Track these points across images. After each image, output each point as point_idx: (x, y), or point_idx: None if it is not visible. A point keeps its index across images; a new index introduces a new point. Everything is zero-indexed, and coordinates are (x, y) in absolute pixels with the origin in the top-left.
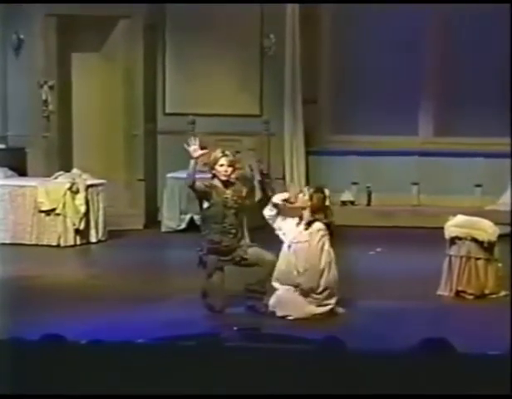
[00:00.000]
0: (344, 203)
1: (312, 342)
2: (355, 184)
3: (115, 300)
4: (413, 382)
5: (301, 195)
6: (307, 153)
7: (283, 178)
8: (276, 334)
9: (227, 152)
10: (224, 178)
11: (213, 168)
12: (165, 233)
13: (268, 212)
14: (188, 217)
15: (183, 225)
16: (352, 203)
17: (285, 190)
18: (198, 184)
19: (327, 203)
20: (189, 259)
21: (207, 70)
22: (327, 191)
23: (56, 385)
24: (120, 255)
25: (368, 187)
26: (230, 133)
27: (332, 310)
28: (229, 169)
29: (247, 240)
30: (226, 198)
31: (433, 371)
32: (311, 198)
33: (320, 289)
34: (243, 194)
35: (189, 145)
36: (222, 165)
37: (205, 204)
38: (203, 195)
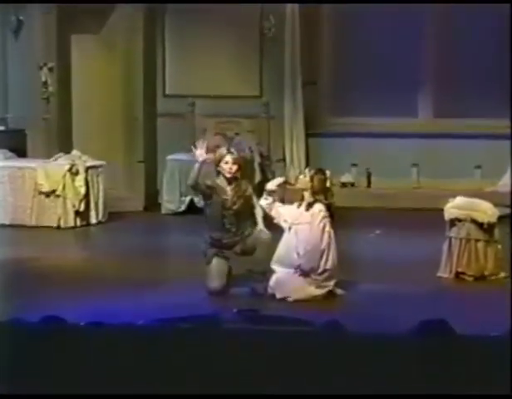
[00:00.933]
0: (344, 185)
1: (311, 323)
2: (355, 166)
3: (114, 282)
4: (412, 364)
5: (301, 177)
6: (307, 135)
7: (283, 160)
8: (275, 316)
9: (232, 150)
10: (228, 175)
11: (218, 165)
12: (165, 215)
13: (265, 201)
14: (188, 199)
15: (183, 207)
16: (352, 185)
17: (285, 173)
18: (199, 184)
19: (328, 184)
20: (190, 242)
21: (207, 52)
22: (327, 173)
23: (55, 366)
24: (121, 237)
25: (368, 169)
26: (230, 115)
27: (331, 292)
28: (234, 167)
29: (261, 226)
30: (225, 199)
31: (433, 352)
32: (311, 179)
33: (320, 270)
34: (248, 193)
35: (196, 147)
36: (227, 163)
37: (207, 201)
38: (203, 194)
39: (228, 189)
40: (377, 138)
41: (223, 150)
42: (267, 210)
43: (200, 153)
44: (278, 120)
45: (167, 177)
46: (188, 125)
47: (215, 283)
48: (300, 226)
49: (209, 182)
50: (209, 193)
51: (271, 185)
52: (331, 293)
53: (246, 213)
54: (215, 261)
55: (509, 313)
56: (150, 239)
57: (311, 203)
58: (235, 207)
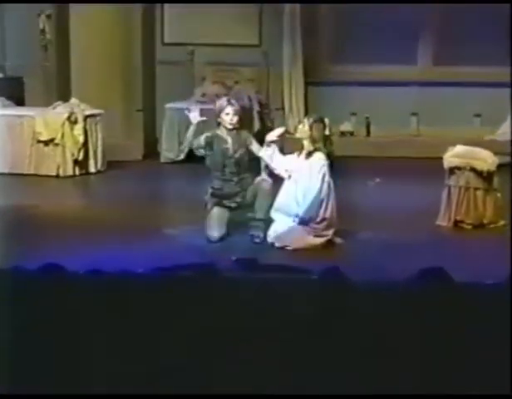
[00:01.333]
0: (343, 133)
1: (310, 271)
2: (354, 114)
3: (113, 231)
4: (411, 312)
5: (300, 126)
6: (307, 83)
7: (282, 109)
8: (274, 264)
9: (232, 101)
10: (229, 126)
11: (218, 116)
12: (164, 164)
13: (265, 152)
14: (187, 148)
15: (182, 156)
16: (351, 133)
17: (284, 122)
18: (196, 143)
19: (327, 132)
20: (189, 190)
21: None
22: (326, 121)
23: (55, 315)
24: (119, 186)
25: (367, 118)
26: (229, 63)
27: (330, 241)
28: (235, 118)
29: (263, 175)
30: (226, 148)
31: (431, 300)
32: (311, 128)
33: (319, 219)
34: (248, 142)
35: (189, 110)
36: (227, 114)
37: (208, 153)
38: (204, 148)
39: (229, 138)
40: (377, 86)
41: (223, 102)
42: (268, 161)
43: (194, 116)
44: (277, 68)
45: (166, 126)
46: (187, 74)
47: (215, 231)
48: (299, 175)
49: (209, 134)
50: (209, 142)
51: (271, 136)
52: (330, 242)
53: (246, 162)
54: (216, 210)
55: (508, 261)
56: (148, 188)
57: (310, 152)
58: (236, 155)
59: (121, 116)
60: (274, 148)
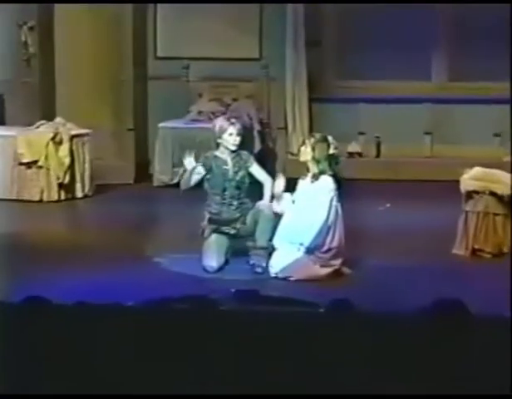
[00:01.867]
0: (351, 154)
1: (316, 304)
2: (362, 134)
3: (101, 259)
4: (425, 345)
5: (303, 148)
6: (311, 100)
7: (285, 128)
8: (277, 297)
9: (233, 120)
10: (233, 147)
11: (219, 137)
12: (157, 187)
13: (277, 207)
14: (182, 170)
15: (176, 179)
16: (360, 154)
17: (286, 141)
18: (194, 179)
19: (332, 151)
20: (183, 216)
21: (202, 9)
22: (330, 139)
23: (38, 351)
24: (108, 211)
25: (377, 137)
26: (227, 78)
27: (337, 271)
28: (238, 139)
29: (266, 198)
30: (226, 170)
31: (446, 333)
32: (313, 149)
33: (325, 248)
34: (248, 164)
35: (184, 157)
36: (231, 135)
37: (207, 175)
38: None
39: (229, 159)
40: (387, 103)
41: (224, 122)
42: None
43: (189, 161)
44: (278, 83)
45: (159, 146)
46: (181, 90)
47: (213, 261)
48: (304, 200)
49: (207, 155)
50: (207, 168)
51: (277, 189)
52: (337, 273)
53: (247, 186)
54: (214, 238)
55: None
56: (140, 213)
57: (316, 175)
58: (237, 178)
59: (111, 136)
60: (287, 197)
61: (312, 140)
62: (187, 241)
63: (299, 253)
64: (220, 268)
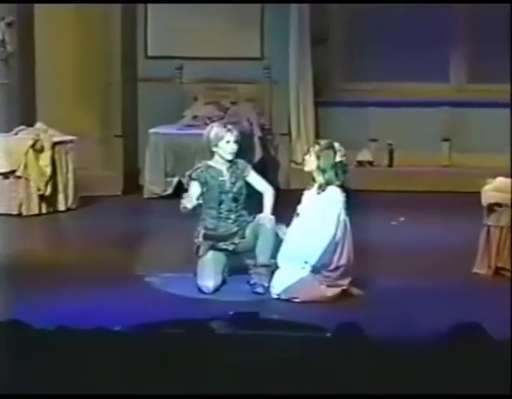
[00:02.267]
0: (361, 163)
1: (322, 329)
2: (373, 140)
3: (86, 279)
4: (442, 374)
5: (307, 157)
6: (317, 104)
7: (289, 134)
8: (279, 320)
9: (229, 126)
10: (230, 156)
11: (215, 145)
12: (148, 199)
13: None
14: (175, 180)
15: (169, 190)
16: (371, 163)
17: (290, 149)
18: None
19: (338, 158)
20: (176, 231)
21: (197, 5)
22: (336, 145)
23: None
24: (94, 226)
25: (389, 144)
26: (225, 80)
27: (345, 291)
28: (235, 147)
29: (267, 211)
30: (223, 181)
31: (465, 361)
32: (318, 157)
33: (332, 266)
34: (246, 173)
35: (183, 197)
36: (228, 142)
37: (203, 189)
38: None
39: (224, 169)
40: (401, 107)
41: (221, 129)
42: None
43: (188, 201)
44: (281, 85)
45: (150, 154)
46: (175, 93)
47: (209, 281)
48: (310, 213)
49: (200, 166)
50: (202, 178)
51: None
52: (346, 294)
53: (244, 197)
54: (210, 255)
55: None
56: (129, 228)
57: (322, 185)
58: (234, 189)
59: (97, 144)
60: (283, 230)
61: (317, 147)
62: (181, 259)
63: (304, 272)
64: (217, 289)
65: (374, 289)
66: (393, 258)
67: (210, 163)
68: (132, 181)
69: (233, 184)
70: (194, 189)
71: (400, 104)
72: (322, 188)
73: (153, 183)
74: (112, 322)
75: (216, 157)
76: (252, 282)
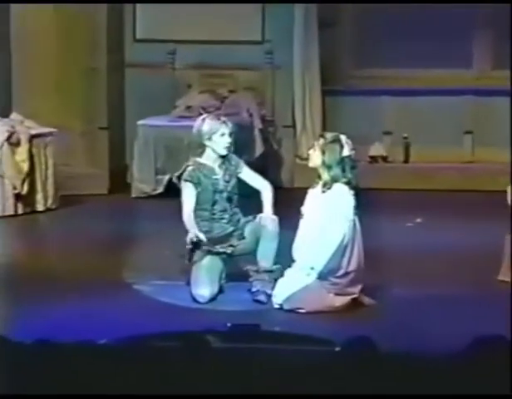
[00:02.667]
0: (373, 158)
1: (330, 342)
2: (387, 133)
3: (67, 287)
4: (464, 393)
5: (311, 151)
6: (325, 92)
7: (293, 126)
8: (282, 332)
9: (223, 118)
10: (225, 151)
11: (209, 138)
12: (137, 199)
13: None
14: (166, 178)
15: (160, 189)
16: (384, 158)
17: (294, 143)
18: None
19: (346, 153)
20: (168, 233)
21: None
22: (343, 138)
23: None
24: (76, 228)
25: (405, 138)
26: (222, 66)
27: (356, 301)
28: (230, 140)
29: (267, 210)
30: (216, 180)
31: (489, 376)
32: (323, 152)
33: (341, 272)
34: (239, 170)
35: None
36: (223, 135)
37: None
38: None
39: (216, 166)
40: (418, 96)
41: (213, 121)
42: None
43: (194, 234)
44: (285, 72)
45: (139, 149)
46: (166, 80)
47: (204, 289)
48: (315, 214)
49: (190, 164)
50: (195, 177)
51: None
52: (356, 303)
53: (237, 196)
54: (206, 261)
55: None
56: (115, 231)
57: (328, 182)
58: (228, 188)
59: (79, 137)
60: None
61: (322, 141)
62: (173, 264)
63: (309, 279)
64: (213, 298)
65: (388, 298)
66: (409, 264)
67: (201, 160)
68: (119, 179)
69: (228, 182)
70: (190, 193)
71: (417, 92)
72: (327, 186)
73: (142, 181)
74: (98, 334)
75: (208, 153)
76: (253, 289)
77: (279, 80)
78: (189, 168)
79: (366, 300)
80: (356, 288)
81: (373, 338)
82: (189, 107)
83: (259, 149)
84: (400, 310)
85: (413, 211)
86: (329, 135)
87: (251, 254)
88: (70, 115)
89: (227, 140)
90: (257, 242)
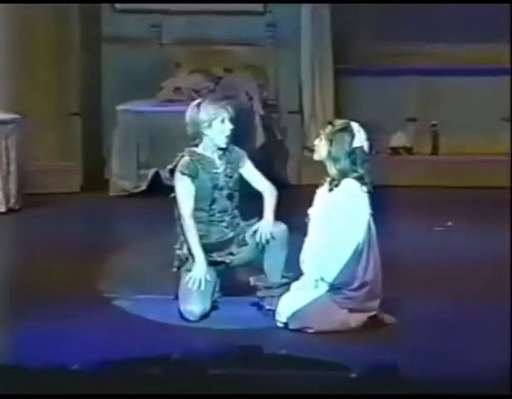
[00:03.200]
0: (395, 150)
1: (344, 368)
2: (412, 120)
3: (34, 302)
4: None
5: (317, 141)
6: (338, 72)
7: (300, 112)
8: (288, 356)
9: (221, 101)
10: (226, 141)
11: (208, 126)
12: (116, 197)
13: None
14: (151, 173)
15: (143, 186)
16: (408, 150)
17: (302, 132)
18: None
19: (357, 143)
20: (153, 238)
21: None
22: (355, 126)
23: None
24: (43, 233)
25: (433, 125)
26: (216, 41)
27: (374, 318)
28: (232, 127)
29: (269, 216)
30: (216, 174)
31: None
32: (330, 142)
33: (356, 284)
34: (241, 164)
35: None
36: (223, 121)
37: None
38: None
39: (216, 158)
40: (448, 76)
41: (213, 106)
42: None
43: (199, 262)
44: (291, 48)
45: (119, 139)
46: (151, 58)
47: (195, 305)
48: (319, 214)
49: (185, 155)
50: (194, 170)
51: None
52: (374, 321)
53: (238, 194)
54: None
55: None
56: (90, 236)
57: (335, 178)
58: (230, 184)
59: (48, 125)
60: None
61: (330, 129)
62: (158, 275)
63: (318, 293)
64: (205, 315)
65: (412, 315)
66: (438, 275)
67: (198, 150)
68: (94, 174)
69: (230, 177)
70: (187, 190)
71: (447, 72)
72: (335, 182)
73: (122, 176)
74: (70, 358)
75: (205, 143)
76: (267, 307)
77: (284, 57)
78: (186, 158)
79: (386, 317)
80: (374, 303)
81: (395, 364)
82: (177, 89)
83: (260, 139)
84: (426, 330)
85: (443, 212)
86: (338, 122)
87: (251, 265)
88: (36, 100)
89: (228, 126)
90: (258, 250)
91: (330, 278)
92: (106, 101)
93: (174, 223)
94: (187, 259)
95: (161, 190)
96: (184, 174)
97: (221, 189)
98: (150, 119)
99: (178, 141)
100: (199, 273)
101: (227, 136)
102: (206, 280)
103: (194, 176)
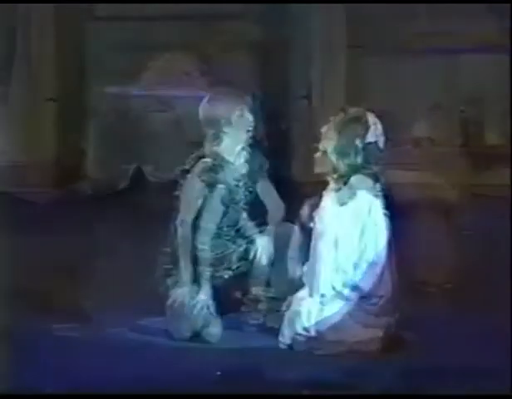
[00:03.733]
0: (417, 142)
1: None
2: (436, 106)
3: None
4: None
5: (324, 129)
6: (351, 49)
7: (308, 97)
8: (293, 378)
9: (234, 90)
10: (248, 137)
11: (229, 123)
12: (95, 197)
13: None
14: (133, 168)
15: (125, 182)
16: (432, 141)
17: (311, 120)
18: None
19: (371, 138)
20: (136, 244)
21: None
22: (371, 118)
23: None
24: (11, 238)
25: (462, 111)
26: (210, 16)
27: (392, 336)
28: (252, 120)
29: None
30: (236, 186)
31: None
32: (339, 133)
33: (372, 298)
34: (262, 174)
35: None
36: (242, 114)
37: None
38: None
39: (238, 164)
40: (478, 53)
41: (227, 99)
42: None
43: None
44: (296, 23)
45: (99, 128)
46: (134, 35)
47: (184, 324)
48: (324, 220)
49: (207, 159)
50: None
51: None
52: (391, 338)
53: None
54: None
55: None
56: (63, 242)
57: (343, 176)
58: (248, 199)
59: (17, 112)
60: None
61: (341, 116)
62: (143, 289)
63: (331, 308)
64: (196, 335)
65: (433, 332)
66: (463, 286)
67: (219, 150)
68: (71, 169)
69: (250, 192)
70: (198, 196)
71: (476, 50)
72: (342, 180)
73: (102, 171)
74: (44, 381)
75: (226, 142)
76: (250, 322)
77: (288, 33)
78: (206, 161)
79: (405, 335)
80: (391, 318)
81: (414, 385)
82: (165, 71)
83: (261, 128)
84: (450, 348)
85: (471, 215)
86: (352, 111)
87: (248, 278)
88: (3, 82)
89: (249, 119)
90: (268, 263)
91: (338, 288)
92: (85, 85)
93: (161, 225)
94: (172, 272)
95: (145, 188)
96: (203, 180)
97: (237, 203)
98: (134, 105)
99: (165, 132)
100: (186, 292)
101: (248, 131)
102: (197, 301)
103: (212, 186)
